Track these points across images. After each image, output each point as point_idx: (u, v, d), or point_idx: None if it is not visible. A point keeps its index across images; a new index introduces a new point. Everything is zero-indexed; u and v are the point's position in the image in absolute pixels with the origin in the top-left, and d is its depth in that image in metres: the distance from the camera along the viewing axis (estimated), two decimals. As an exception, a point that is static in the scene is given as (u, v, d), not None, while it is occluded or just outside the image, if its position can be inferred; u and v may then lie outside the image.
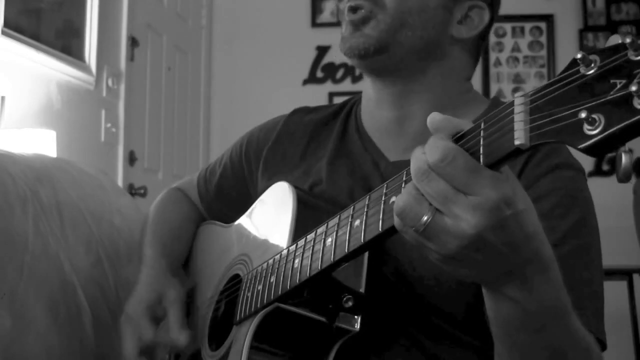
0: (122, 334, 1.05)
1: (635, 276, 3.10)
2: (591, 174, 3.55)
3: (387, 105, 1.04)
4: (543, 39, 3.83)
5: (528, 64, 3.83)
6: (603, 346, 0.85)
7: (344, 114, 1.13)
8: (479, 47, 1.06)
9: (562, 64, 3.79)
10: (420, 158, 0.61)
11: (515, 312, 0.68)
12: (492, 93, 3.79)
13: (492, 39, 3.84)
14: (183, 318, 1.05)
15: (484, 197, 0.58)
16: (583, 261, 0.88)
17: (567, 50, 3.79)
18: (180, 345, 1.01)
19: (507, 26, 3.84)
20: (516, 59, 3.84)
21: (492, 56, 3.84)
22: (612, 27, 3.75)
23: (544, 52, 3.82)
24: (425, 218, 0.60)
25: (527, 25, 3.84)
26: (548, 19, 3.82)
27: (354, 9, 1.00)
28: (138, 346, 1.03)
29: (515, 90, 3.82)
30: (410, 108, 1.02)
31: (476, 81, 3.79)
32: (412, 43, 0.99)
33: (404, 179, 0.67)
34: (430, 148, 0.60)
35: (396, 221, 0.64)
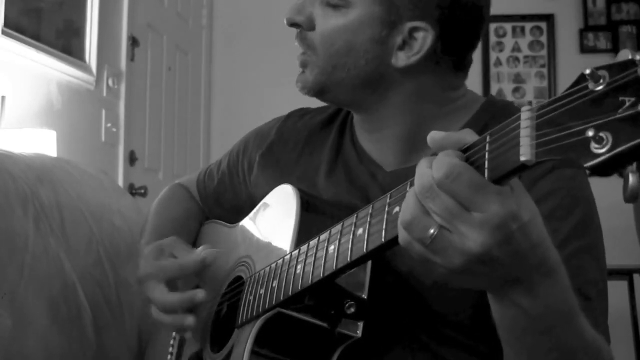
0: (148, 293, 1.03)
1: (635, 276, 3.10)
2: (591, 174, 3.54)
3: (365, 128, 1.04)
4: (543, 38, 3.83)
5: (528, 64, 3.83)
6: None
7: (339, 121, 1.12)
8: (448, 61, 0.96)
9: (562, 63, 3.79)
10: (425, 173, 0.60)
11: (521, 316, 0.68)
12: (493, 93, 3.79)
13: (492, 38, 3.84)
14: (187, 247, 1.05)
15: (490, 213, 0.58)
16: (588, 261, 0.87)
17: (568, 50, 3.79)
18: (198, 259, 1.01)
19: (508, 26, 3.83)
20: (516, 59, 3.84)
21: (493, 56, 3.83)
22: (612, 27, 3.75)
23: (544, 52, 3.82)
24: (432, 230, 0.60)
25: (528, 25, 3.84)
26: (548, 18, 3.81)
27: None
28: (166, 286, 1.02)
29: (515, 90, 3.82)
30: (387, 130, 1.00)
31: (476, 81, 3.79)
32: (350, 82, 0.97)
33: (407, 189, 0.67)
34: (436, 164, 0.60)
35: (402, 234, 0.63)
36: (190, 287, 1.23)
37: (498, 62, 3.84)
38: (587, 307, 0.77)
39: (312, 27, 0.98)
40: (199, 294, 0.99)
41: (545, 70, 3.80)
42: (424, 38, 0.92)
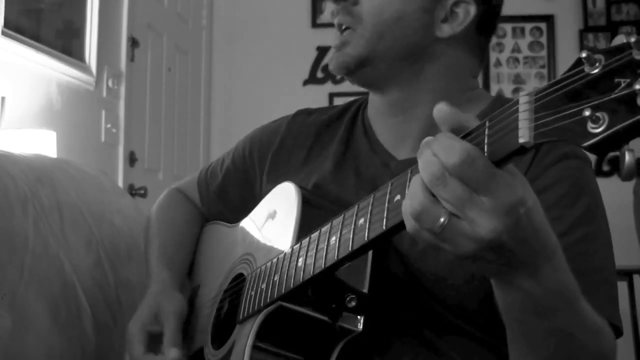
0: (129, 347, 1.04)
1: (635, 276, 3.10)
2: (597, 173, 3.54)
3: (389, 113, 1.05)
4: (543, 39, 3.83)
5: (528, 65, 3.83)
6: (619, 331, 0.85)
7: (349, 116, 1.13)
8: (477, 42, 1.04)
9: (562, 64, 3.79)
10: (433, 161, 0.60)
11: (523, 299, 0.68)
12: (492, 94, 3.79)
13: (492, 39, 3.83)
14: (176, 333, 1.03)
15: (501, 199, 0.59)
16: (592, 249, 0.88)
17: (568, 50, 3.79)
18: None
19: (507, 27, 3.84)
20: (516, 60, 3.84)
21: (492, 56, 3.84)
22: (612, 28, 3.75)
23: (544, 53, 3.83)
24: (442, 220, 0.60)
25: (528, 26, 3.84)
26: (548, 19, 3.82)
27: (339, 27, 1.03)
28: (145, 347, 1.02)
29: (515, 90, 3.82)
30: (412, 111, 1.02)
31: (476, 81, 3.80)
32: (394, 52, 0.99)
33: (408, 176, 0.67)
34: (446, 149, 0.59)
35: (410, 224, 0.63)
36: (191, 287, 1.23)
37: (498, 63, 3.84)
38: (589, 291, 0.78)
39: (356, 1, 1.00)
40: (172, 354, 1.00)
41: (545, 71, 3.80)
42: (467, 10, 0.99)
